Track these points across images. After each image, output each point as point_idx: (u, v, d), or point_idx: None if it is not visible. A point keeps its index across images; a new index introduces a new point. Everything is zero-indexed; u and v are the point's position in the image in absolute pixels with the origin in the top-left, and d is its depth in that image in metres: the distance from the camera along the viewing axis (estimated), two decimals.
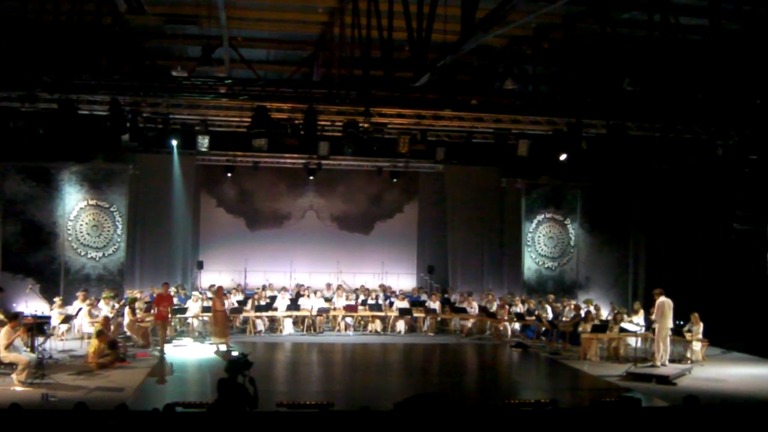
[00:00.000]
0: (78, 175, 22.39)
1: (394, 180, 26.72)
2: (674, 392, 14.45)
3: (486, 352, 20.34)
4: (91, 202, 22.40)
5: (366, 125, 17.38)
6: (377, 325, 22.02)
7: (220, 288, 19.68)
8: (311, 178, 25.95)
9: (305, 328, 21.80)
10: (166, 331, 18.65)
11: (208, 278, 24.78)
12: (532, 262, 25.16)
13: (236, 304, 21.21)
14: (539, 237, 25.26)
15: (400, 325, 22.07)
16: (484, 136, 19.74)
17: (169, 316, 18.76)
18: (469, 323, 22.24)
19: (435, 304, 22.57)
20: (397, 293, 23.70)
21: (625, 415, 10.60)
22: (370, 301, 22.65)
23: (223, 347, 18.08)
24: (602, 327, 18.83)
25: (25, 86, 15.43)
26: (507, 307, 21.96)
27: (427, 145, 19.22)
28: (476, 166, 24.34)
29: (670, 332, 17.20)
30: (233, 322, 20.76)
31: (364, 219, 28.00)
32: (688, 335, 18.15)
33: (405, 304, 22.43)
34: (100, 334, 15.92)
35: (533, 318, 21.30)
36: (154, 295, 21.13)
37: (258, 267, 25.53)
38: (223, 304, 18.94)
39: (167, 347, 18.43)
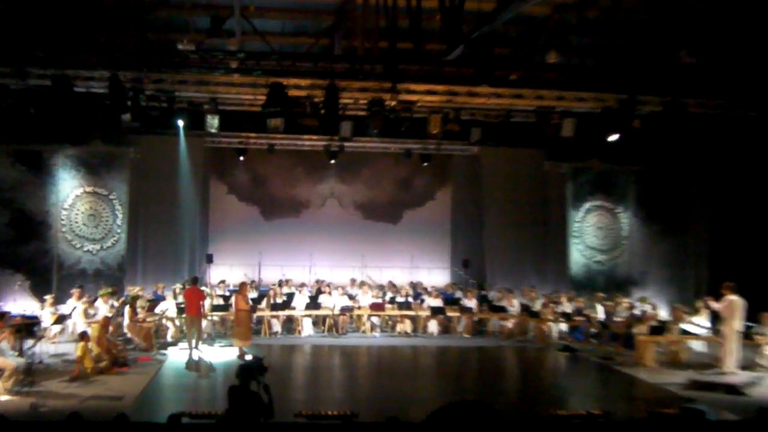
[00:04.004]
0: (73, 159, 22.53)
1: (425, 164, 26.51)
2: (744, 403, 14.23)
3: (529, 356, 20.22)
4: (87, 189, 22.58)
5: (393, 103, 17.30)
6: (407, 325, 22.02)
7: (244, 284, 19.40)
8: (332, 161, 25.83)
9: (326, 329, 21.80)
10: (200, 329, 18.74)
11: (218, 273, 24.75)
12: (579, 256, 25.01)
13: (250, 302, 21.14)
14: (587, 227, 25.10)
15: (433, 326, 22.07)
16: (524, 115, 19.57)
17: (203, 311, 18.95)
18: (510, 324, 22.12)
19: (471, 303, 22.47)
20: (429, 290, 23.64)
21: (688, 428, 10.46)
22: (398, 299, 22.61)
23: (247, 351, 17.94)
24: (660, 328, 18.62)
25: (15, 61, 15.41)
26: (552, 305, 21.84)
27: (461, 125, 19.09)
28: (516, 148, 24.12)
29: (740, 335, 17.04)
30: None
31: (391, 207, 27.91)
32: (758, 338, 17.88)
33: (438, 303, 22.40)
34: (83, 337, 15.90)
35: (582, 318, 21.16)
36: (158, 292, 21.33)
37: (274, 261, 25.53)
38: (248, 303, 18.81)
39: (173, 350, 18.68)
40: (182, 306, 19.53)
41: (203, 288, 21.12)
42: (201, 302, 18.72)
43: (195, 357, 17.78)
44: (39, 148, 22.07)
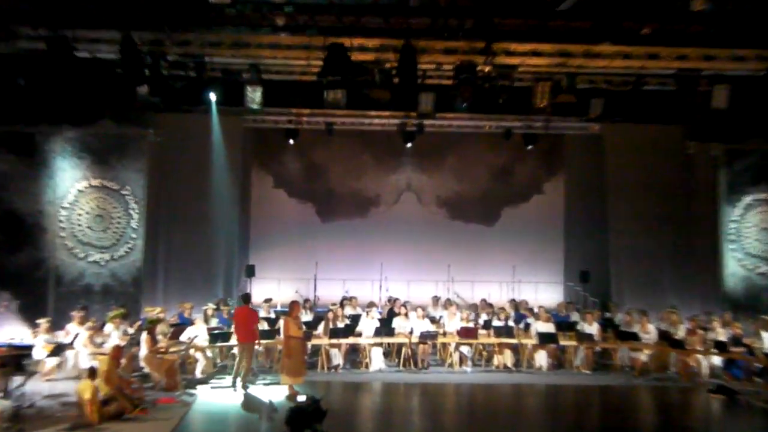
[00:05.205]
0: (75, 143, 23.01)
1: (529, 147, 26.57)
2: None
3: (670, 398, 19.92)
4: (93, 183, 23.10)
5: (487, 69, 17.33)
6: (507, 357, 21.96)
7: (295, 304, 19.13)
8: (409, 145, 26.02)
9: (402, 362, 21.82)
10: (251, 359, 19.04)
11: (262, 290, 24.99)
12: (737, 266, 24.75)
13: (303, 327, 21.13)
14: (747, 229, 24.85)
15: (541, 358, 21.94)
16: (661, 81, 19.45)
17: (257, 340, 19.23)
18: (644, 356, 21.93)
19: (592, 328, 22.31)
20: (536, 311, 23.55)
21: None
22: (495, 323, 22.53)
23: (299, 391, 17.96)
24: None
25: None
26: (700, 332, 21.60)
27: (578, 96, 19.04)
28: (649, 124, 24.14)
29: None
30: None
31: (485, 204, 28.05)
32: None
33: (548, 327, 22.22)
34: (92, 374, 15.92)
35: (741, 349, 20.90)
36: (185, 315, 21.47)
37: (333, 273, 25.90)
38: (301, 328, 18.71)
39: (203, 390, 18.79)
40: (217, 332, 19.96)
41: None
42: (255, 326, 19.04)
43: (251, 393, 17.54)
44: (31, 129, 22.51)
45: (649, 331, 22.12)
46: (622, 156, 25.84)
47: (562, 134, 26.99)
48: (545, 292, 26.77)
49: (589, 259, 26.88)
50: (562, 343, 22.09)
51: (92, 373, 16.03)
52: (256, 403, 15.69)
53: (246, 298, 20.01)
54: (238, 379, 18.65)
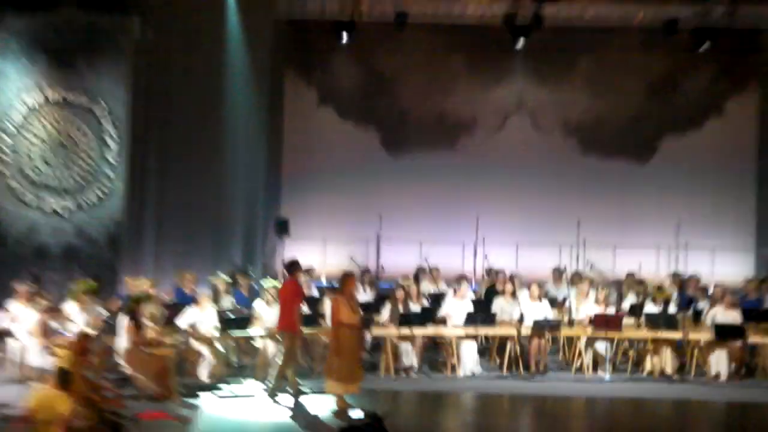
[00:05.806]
0: (24, 38, 22.54)
1: (705, 47, 25.81)
2: None
3: None
4: (52, 96, 22.60)
5: None
6: (665, 358, 21.32)
7: (349, 278, 18.43)
8: (520, 45, 25.55)
9: (506, 364, 21.33)
10: (295, 354, 18.60)
11: (301, 255, 24.14)
12: None
13: (360, 312, 20.35)
14: None
15: (720, 361, 21.25)
16: None
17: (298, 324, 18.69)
18: None
19: None
20: (712, 292, 23.05)
21: None
22: (649, 308, 21.94)
23: (352, 404, 17.41)
24: None
25: None
26: None
27: None
28: None
29: None
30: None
31: (636, 132, 27.93)
32: None
33: (731, 317, 21.55)
34: (65, 379, 14.62)
35: None
36: (185, 290, 21.15)
37: (405, 232, 25.87)
38: (356, 311, 17.96)
39: (210, 399, 18.17)
40: (232, 317, 19.69)
41: (270, 282, 20.86)
42: (297, 305, 18.49)
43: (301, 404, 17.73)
44: None
45: None
46: None
47: (756, 30, 26.26)
48: (726, 264, 26.21)
49: None
50: (752, 340, 21.33)
51: (65, 378, 14.99)
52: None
53: (293, 266, 19.21)
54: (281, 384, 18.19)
